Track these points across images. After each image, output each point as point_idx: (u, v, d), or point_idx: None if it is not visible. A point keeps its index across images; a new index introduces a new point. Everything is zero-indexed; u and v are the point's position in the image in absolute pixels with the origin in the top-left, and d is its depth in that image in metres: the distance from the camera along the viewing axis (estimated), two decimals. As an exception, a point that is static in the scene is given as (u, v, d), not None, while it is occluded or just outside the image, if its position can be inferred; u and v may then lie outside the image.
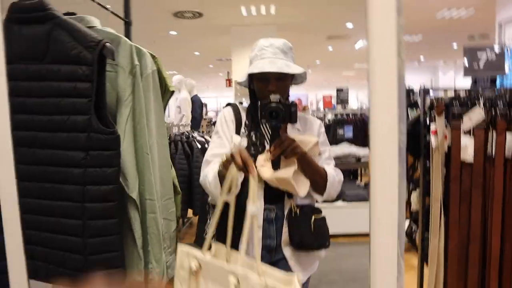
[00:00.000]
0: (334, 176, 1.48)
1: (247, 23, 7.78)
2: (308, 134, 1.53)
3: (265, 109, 1.28)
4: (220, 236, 1.12)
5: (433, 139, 2.10)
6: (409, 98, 4.41)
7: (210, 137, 5.80)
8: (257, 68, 1.43)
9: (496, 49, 2.29)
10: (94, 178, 1.16)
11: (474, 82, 4.13)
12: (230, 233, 1.04)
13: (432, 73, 15.96)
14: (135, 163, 1.28)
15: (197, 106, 7.13)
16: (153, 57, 1.50)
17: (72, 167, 1.17)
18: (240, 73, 7.14)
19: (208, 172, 1.38)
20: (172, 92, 1.54)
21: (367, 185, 4.80)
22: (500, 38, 5.88)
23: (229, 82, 9.14)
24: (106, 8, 1.71)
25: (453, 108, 2.01)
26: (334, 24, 8.14)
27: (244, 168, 1.11)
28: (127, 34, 2.01)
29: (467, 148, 1.95)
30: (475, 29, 8.97)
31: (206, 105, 10.76)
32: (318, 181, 1.43)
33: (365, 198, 4.26)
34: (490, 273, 1.97)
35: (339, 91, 6.09)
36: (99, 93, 1.19)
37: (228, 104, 1.60)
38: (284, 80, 1.45)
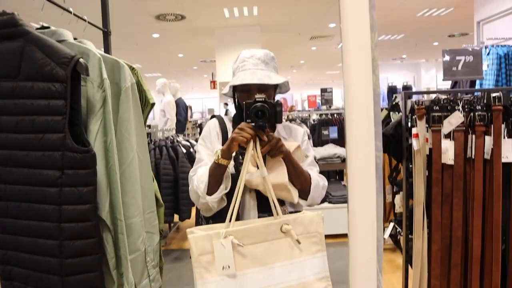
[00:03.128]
0: (318, 180, 1.49)
1: (230, 25, 7.77)
2: (292, 140, 1.54)
3: (250, 109, 1.28)
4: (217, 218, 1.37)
5: (414, 143, 2.12)
6: (392, 96, 4.45)
7: (196, 140, 5.76)
8: (238, 80, 1.44)
9: (473, 51, 2.32)
10: (70, 197, 1.14)
11: (455, 83, 4.20)
12: (236, 207, 1.22)
13: (414, 71, 16.18)
14: (106, 182, 1.25)
15: (182, 109, 7.10)
16: (131, 69, 1.48)
17: (48, 187, 1.15)
18: (224, 75, 7.14)
19: (196, 174, 1.43)
20: (153, 104, 1.52)
21: (352, 185, 4.83)
22: (479, 37, 5.98)
23: (213, 84, 9.12)
24: (84, 19, 1.68)
25: (433, 112, 2.03)
26: (317, 24, 8.19)
27: (255, 135, 1.27)
28: (106, 44, 1.98)
29: (448, 151, 1.98)
30: (455, 27, 9.14)
31: (191, 107, 10.71)
32: (303, 184, 1.43)
33: (350, 198, 4.28)
34: (472, 273, 1.99)
35: (323, 91, 6.11)
36: (74, 110, 1.17)
37: (213, 116, 1.61)
38: (266, 90, 1.45)
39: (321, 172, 1.57)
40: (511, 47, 4.32)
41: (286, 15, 7.36)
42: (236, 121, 1.54)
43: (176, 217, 4.52)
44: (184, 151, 4.59)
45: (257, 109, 1.27)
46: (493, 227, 1.95)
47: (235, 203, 1.22)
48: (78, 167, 1.14)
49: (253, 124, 1.28)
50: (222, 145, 1.45)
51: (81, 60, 1.17)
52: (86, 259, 1.16)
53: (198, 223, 1.58)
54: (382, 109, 3.26)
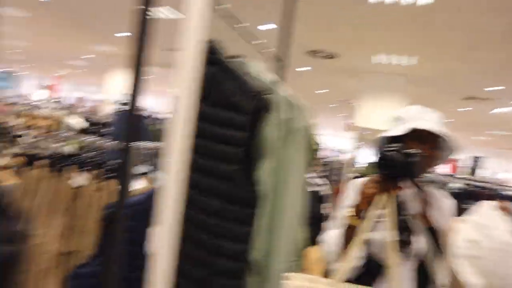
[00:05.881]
0: None
1: (378, 70, 7.57)
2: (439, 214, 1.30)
3: (379, 158, 1.12)
4: None
5: None
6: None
7: (320, 177, 5.58)
8: (424, 125, 1.28)
9: None
10: (226, 232, 1.12)
11: None
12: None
13: None
14: (268, 224, 1.18)
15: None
16: (305, 111, 1.45)
17: (209, 215, 1.14)
18: (363, 118, 6.89)
19: (326, 238, 1.32)
20: (316, 150, 1.46)
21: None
22: None
23: (349, 126, 8.95)
24: (261, 52, 1.73)
25: None
26: (470, 86, 7.48)
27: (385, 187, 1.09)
28: (281, 76, 2.02)
29: None
30: None
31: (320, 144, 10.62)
32: None
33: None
34: None
35: (476, 158, 5.42)
36: (251, 145, 1.16)
37: (360, 176, 1.48)
38: (436, 152, 1.32)
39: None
40: None
41: (438, 70, 6.88)
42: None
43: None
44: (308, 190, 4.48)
45: (384, 157, 1.10)
46: None
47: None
48: (242, 204, 1.12)
49: (381, 172, 1.11)
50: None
51: (267, 96, 1.17)
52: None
53: None
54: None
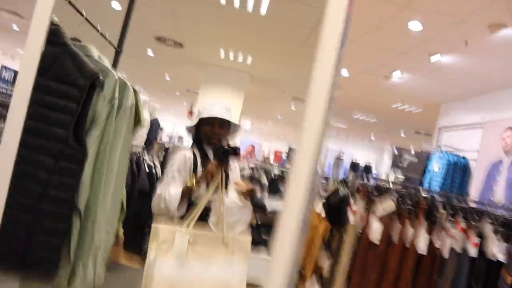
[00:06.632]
0: None
1: (222, 65, 8.18)
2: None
3: (220, 151, 1.85)
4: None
5: (351, 217, 2.44)
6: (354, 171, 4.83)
7: (160, 162, 5.85)
8: (211, 113, 1.93)
9: (418, 154, 2.73)
10: (55, 183, 1.35)
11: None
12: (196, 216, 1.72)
13: (379, 154, 17.15)
14: (91, 178, 1.47)
15: (154, 129, 7.26)
16: (134, 91, 1.75)
17: (41, 170, 1.35)
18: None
19: (169, 193, 1.77)
20: (143, 125, 1.77)
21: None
22: (438, 141, 6.62)
23: (190, 113, 9.40)
24: (105, 38, 1.94)
25: (373, 196, 2.38)
26: (299, 87, 8.76)
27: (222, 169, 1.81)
28: (116, 61, 2.24)
29: (376, 231, 2.30)
30: (421, 127, 9.98)
31: (162, 129, 10.81)
32: None
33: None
34: None
35: (290, 150, 6.49)
36: (82, 115, 1.41)
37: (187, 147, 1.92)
38: (223, 127, 1.97)
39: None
40: (460, 158, 4.88)
41: (275, 72, 7.88)
42: (201, 152, 1.97)
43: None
44: (147, 170, 4.74)
45: (223, 151, 1.84)
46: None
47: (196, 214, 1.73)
48: (69, 161, 1.37)
49: (221, 160, 1.83)
50: (192, 173, 1.85)
51: (100, 77, 1.43)
52: (51, 240, 1.36)
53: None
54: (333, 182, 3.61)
